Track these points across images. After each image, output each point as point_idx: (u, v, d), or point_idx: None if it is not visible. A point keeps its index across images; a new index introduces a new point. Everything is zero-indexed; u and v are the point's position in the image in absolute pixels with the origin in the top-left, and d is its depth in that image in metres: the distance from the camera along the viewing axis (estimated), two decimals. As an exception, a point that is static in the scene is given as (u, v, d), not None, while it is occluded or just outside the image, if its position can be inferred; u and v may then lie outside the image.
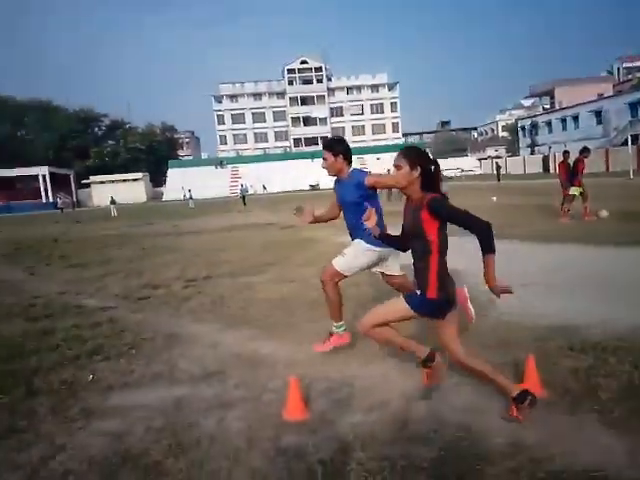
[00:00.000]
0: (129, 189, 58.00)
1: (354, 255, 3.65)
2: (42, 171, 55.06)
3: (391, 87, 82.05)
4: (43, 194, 55.22)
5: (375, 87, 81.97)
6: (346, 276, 3.72)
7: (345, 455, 2.46)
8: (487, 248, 2.38)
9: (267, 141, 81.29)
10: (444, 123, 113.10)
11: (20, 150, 62.27)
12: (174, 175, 60.90)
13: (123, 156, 65.77)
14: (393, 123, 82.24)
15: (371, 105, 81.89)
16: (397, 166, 2.64)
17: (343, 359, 3.76)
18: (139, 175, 60.74)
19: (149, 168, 65.56)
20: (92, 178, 59.22)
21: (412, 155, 2.62)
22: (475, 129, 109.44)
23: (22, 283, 8.30)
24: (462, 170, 58.82)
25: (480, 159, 68.53)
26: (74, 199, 56.89)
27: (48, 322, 5.44)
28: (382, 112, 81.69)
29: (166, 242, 12.90)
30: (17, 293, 7.29)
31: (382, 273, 3.88)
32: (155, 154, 68.06)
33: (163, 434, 2.81)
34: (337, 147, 3.67)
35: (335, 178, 3.84)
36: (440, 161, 2.96)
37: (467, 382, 3.14)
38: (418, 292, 2.69)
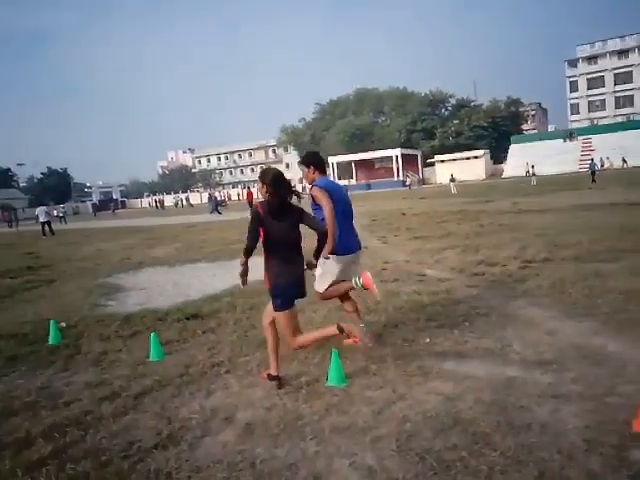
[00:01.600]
0: (469, 167, 59.07)
1: (321, 271, 3.99)
2: (395, 152, 62.00)
3: None
4: (395, 173, 62.25)
5: None
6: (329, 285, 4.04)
7: None
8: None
9: (632, 105, 68.62)
10: None
11: (379, 134, 71.79)
12: (516, 151, 58.60)
13: (466, 134, 67.28)
14: None
15: None
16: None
17: None
18: (480, 152, 61.05)
19: (490, 145, 65.14)
20: (436, 157, 63.05)
21: (264, 178, 3.33)
22: None
23: (377, 250, 9.70)
24: None
25: None
26: (420, 177, 62.14)
27: (395, 285, 6.22)
28: None
29: (505, 220, 12.67)
30: (373, 258, 8.57)
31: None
32: (498, 130, 66.97)
33: (492, 409, 2.86)
34: (307, 159, 4.14)
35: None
36: None
37: None
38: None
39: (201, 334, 4.82)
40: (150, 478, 2.49)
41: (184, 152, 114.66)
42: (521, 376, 3.30)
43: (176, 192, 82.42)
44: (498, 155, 63.36)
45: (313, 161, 4.11)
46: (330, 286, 4.05)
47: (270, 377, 3.51)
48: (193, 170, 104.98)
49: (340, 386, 3.36)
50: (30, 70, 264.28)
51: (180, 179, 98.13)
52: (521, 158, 53.47)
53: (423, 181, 62.04)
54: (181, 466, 2.58)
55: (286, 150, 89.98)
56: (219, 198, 45.36)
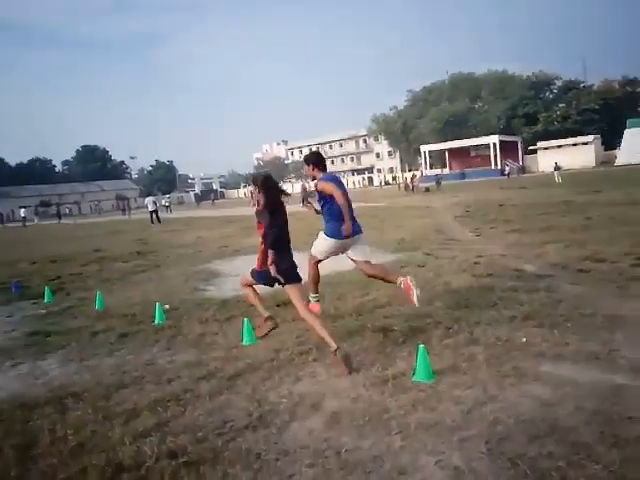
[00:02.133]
0: (576, 154, 54.58)
1: (318, 243, 4.63)
2: (492, 140, 58.91)
3: None
4: (492, 161, 59.23)
5: None
6: (320, 259, 4.68)
7: None
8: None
9: None
10: None
11: (475, 121, 68.57)
12: (633, 135, 52.96)
13: (574, 119, 62.06)
14: None
15: None
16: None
17: None
18: (589, 138, 56.08)
19: (602, 129, 59.57)
20: (539, 144, 58.97)
21: (256, 181, 4.01)
22: None
23: (470, 242, 9.33)
24: None
25: None
26: (520, 165, 58.55)
27: (489, 280, 5.94)
28: None
29: (616, 212, 11.57)
30: (466, 251, 8.26)
31: (352, 259, 4.63)
32: (611, 113, 60.98)
33: (595, 418, 2.64)
34: (308, 159, 4.61)
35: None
36: None
37: None
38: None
39: (291, 321, 4.96)
40: (241, 456, 2.62)
41: (278, 144, 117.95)
42: (630, 384, 3.01)
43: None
44: (611, 141, 57.75)
45: (313, 160, 4.60)
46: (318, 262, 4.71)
47: (335, 353, 3.61)
48: (286, 161, 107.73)
49: (427, 382, 3.29)
50: (142, 71, 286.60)
51: (274, 170, 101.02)
52: (639, 143, 48.36)
53: (523, 170, 58.38)
54: (269, 448, 2.69)
55: (377, 140, 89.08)
56: (308, 189, 46.15)
